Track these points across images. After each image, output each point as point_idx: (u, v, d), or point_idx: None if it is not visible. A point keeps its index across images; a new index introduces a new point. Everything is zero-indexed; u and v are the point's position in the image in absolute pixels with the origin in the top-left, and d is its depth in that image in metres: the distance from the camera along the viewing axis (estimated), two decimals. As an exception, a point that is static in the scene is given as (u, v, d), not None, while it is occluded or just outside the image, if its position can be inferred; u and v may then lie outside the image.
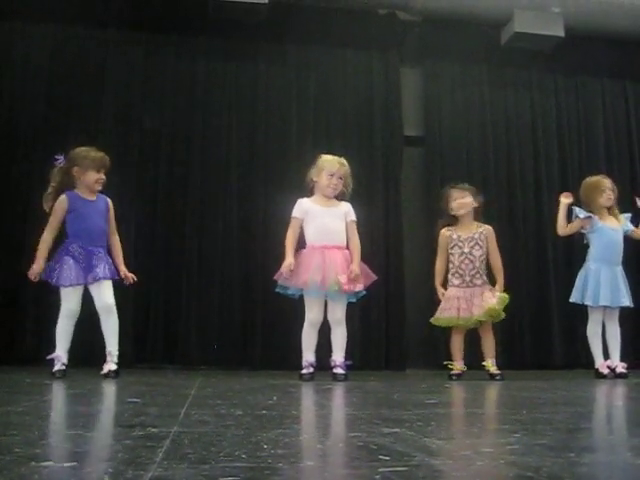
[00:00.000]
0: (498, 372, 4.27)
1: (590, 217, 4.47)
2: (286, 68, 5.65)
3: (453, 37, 5.82)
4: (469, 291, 4.34)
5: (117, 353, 3.83)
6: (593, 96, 6.18)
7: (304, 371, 3.96)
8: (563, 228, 4.55)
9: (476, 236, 4.42)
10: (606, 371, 4.31)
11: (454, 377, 4.28)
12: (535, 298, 5.63)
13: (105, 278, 3.83)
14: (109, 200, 4.06)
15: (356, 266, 3.98)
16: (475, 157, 5.85)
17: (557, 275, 5.73)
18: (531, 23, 5.47)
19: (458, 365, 4.38)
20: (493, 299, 4.26)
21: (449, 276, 4.44)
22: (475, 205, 4.49)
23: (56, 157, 3.94)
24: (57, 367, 3.73)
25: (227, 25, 5.39)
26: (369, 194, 5.48)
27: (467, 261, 4.37)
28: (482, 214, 4.55)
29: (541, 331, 5.61)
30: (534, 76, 6.10)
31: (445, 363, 4.44)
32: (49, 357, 3.78)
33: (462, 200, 4.47)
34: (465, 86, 5.95)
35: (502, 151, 5.92)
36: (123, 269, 4.01)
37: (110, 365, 3.77)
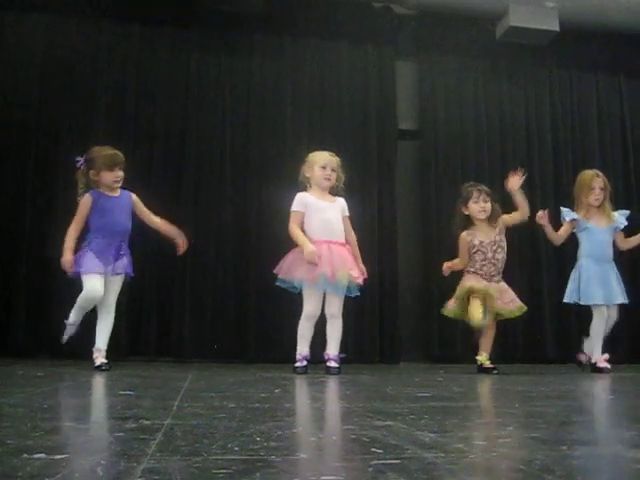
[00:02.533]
0: (492, 366, 4.27)
1: (575, 220, 4.49)
2: (281, 61, 5.64)
3: (448, 31, 5.82)
4: (486, 283, 4.30)
5: (105, 351, 3.87)
6: (587, 90, 6.20)
7: (298, 364, 3.97)
8: (557, 240, 4.58)
9: (497, 239, 4.38)
10: (604, 365, 4.31)
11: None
12: (528, 293, 5.63)
13: (121, 274, 3.94)
14: (133, 195, 4.12)
15: (361, 263, 4.10)
16: (469, 151, 5.86)
17: (549, 269, 5.76)
18: (526, 17, 5.48)
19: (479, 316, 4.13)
20: (515, 302, 4.33)
21: (465, 272, 4.40)
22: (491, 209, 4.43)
23: (76, 159, 4.00)
24: (71, 331, 3.94)
25: (222, 18, 5.38)
26: (363, 188, 5.48)
27: (490, 264, 4.33)
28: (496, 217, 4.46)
29: (533, 325, 5.63)
30: (529, 70, 6.11)
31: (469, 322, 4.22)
32: (66, 322, 3.93)
33: (484, 205, 4.39)
34: (460, 80, 5.95)
35: (496, 144, 5.93)
36: (180, 236, 4.13)
37: (100, 359, 3.81)
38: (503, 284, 4.38)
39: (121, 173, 4.01)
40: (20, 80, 5.18)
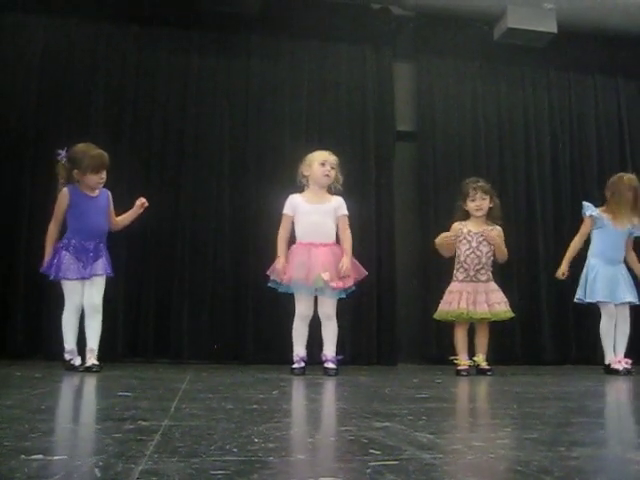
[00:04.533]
0: (488, 367, 4.27)
1: (593, 216, 4.50)
2: (279, 62, 5.63)
3: (446, 32, 5.82)
4: (472, 286, 4.30)
5: (97, 351, 3.86)
6: (585, 92, 6.20)
7: (295, 365, 3.97)
8: (579, 242, 4.56)
9: (485, 233, 4.38)
10: (620, 366, 4.29)
11: (463, 373, 4.17)
12: (526, 294, 5.65)
13: (101, 275, 3.91)
14: (109, 193, 4.11)
15: (347, 260, 4.01)
16: (467, 152, 5.86)
17: (548, 270, 5.74)
18: (524, 19, 5.48)
19: (464, 360, 4.28)
20: (502, 305, 4.30)
21: (454, 271, 4.41)
22: (490, 206, 4.44)
23: (58, 152, 3.96)
24: (78, 362, 3.87)
25: (220, 19, 5.37)
26: (361, 189, 5.47)
27: (473, 256, 4.33)
28: (497, 217, 4.48)
29: (532, 326, 5.63)
30: (527, 72, 6.11)
31: (451, 358, 4.33)
32: (64, 356, 3.90)
33: (481, 203, 4.40)
34: (458, 81, 5.95)
35: (494, 146, 5.93)
36: (137, 205, 4.12)
37: (93, 359, 3.82)
38: (492, 284, 4.37)
39: (105, 174, 3.99)
40: (19, 81, 5.16)
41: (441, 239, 4.48)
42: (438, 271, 5.20)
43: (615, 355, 4.38)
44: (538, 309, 5.68)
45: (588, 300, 4.43)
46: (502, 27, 5.56)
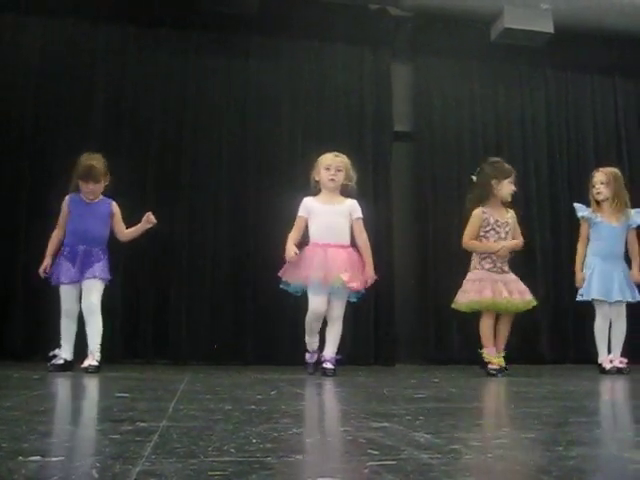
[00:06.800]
0: (503, 366, 4.09)
1: (584, 216, 4.46)
2: (277, 62, 5.63)
3: (444, 33, 5.83)
4: (501, 277, 4.14)
5: (99, 352, 3.88)
6: (582, 91, 6.21)
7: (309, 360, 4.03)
8: (583, 243, 4.51)
9: (510, 221, 4.23)
10: (609, 366, 4.26)
11: (493, 372, 3.97)
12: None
13: (95, 278, 3.94)
14: (113, 204, 4.15)
15: (370, 268, 4.01)
16: (465, 152, 5.86)
17: (545, 270, 5.76)
18: (521, 19, 5.49)
19: (492, 354, 4.06)
20: (527, 294, 4.18)
21: (478, 259, 4.18)
22: None
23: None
24: (53, 361, 3.88)
25: (219, 19, 5.37)
26: (359, 189, 5.45)
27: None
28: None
29: (530, 326, 5.63)
30: (524, 72, 6.12)
31: (480, 351, 4.11)
32: (51, 353, 3.93)
33: (515, 189, 4.23)
34: (455, 81, 5.96)
35: (491, 146, 5.93)
36: (144, 220, 4.10)
37: (91, 360, 3.83)
38: (512, 274, 4.22)
39: (94, 186, 4.03)
40: (18, 81, 5.16)
41: (480, 247, 4.19)
42: (436, 271, 5.20)
43: (612, 354, 4.35)
44: (537, 308, 5.67)
45: (583, 299, 4.42)
46: (499, 27, 5.58)
